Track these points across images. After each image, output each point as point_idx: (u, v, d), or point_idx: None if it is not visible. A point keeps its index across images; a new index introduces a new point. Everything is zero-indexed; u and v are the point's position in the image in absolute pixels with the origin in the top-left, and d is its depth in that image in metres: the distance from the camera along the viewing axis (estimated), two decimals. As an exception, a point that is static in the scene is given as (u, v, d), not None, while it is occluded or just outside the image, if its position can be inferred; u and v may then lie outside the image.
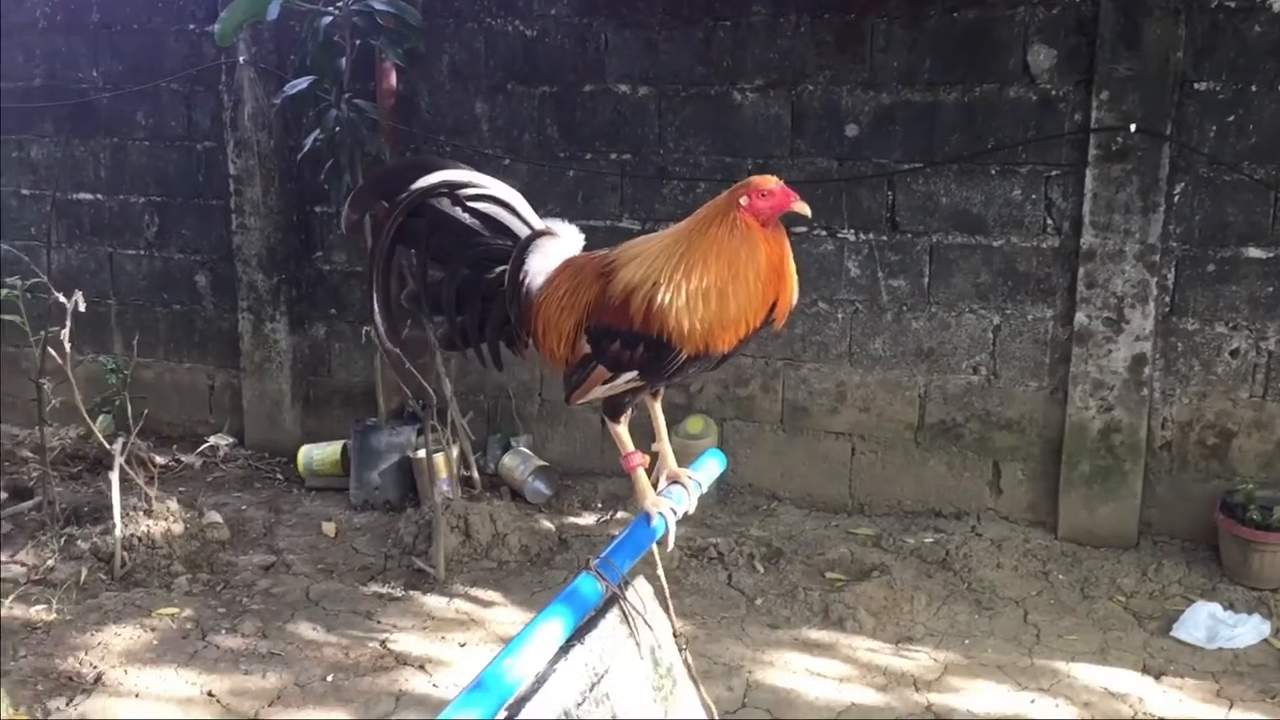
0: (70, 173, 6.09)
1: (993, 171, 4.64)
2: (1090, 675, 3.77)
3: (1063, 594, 4.35)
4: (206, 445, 5.64)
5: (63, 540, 4.64)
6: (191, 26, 5.66)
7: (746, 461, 5.19)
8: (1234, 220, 4.39)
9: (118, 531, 4.46)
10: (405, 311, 1.83)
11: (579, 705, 1.45)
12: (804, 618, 4.19)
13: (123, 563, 4.46)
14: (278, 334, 5.75)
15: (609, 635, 1.58)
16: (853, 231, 4.86)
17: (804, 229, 4.88)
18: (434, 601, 4.33)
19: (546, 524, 4.94)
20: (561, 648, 1.48)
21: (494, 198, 1.82)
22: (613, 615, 1.61)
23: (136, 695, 3.69)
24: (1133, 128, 4.32)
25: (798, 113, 4.85)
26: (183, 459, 5.79)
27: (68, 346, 4.42)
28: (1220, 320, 4.49)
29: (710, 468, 1.97)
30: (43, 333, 4.58)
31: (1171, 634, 4.02)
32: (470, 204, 1.80)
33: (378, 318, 1.77)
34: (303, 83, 4.84)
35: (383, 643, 4.02)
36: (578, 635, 1.52)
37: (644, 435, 1.94)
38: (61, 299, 4.38)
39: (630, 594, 1.67)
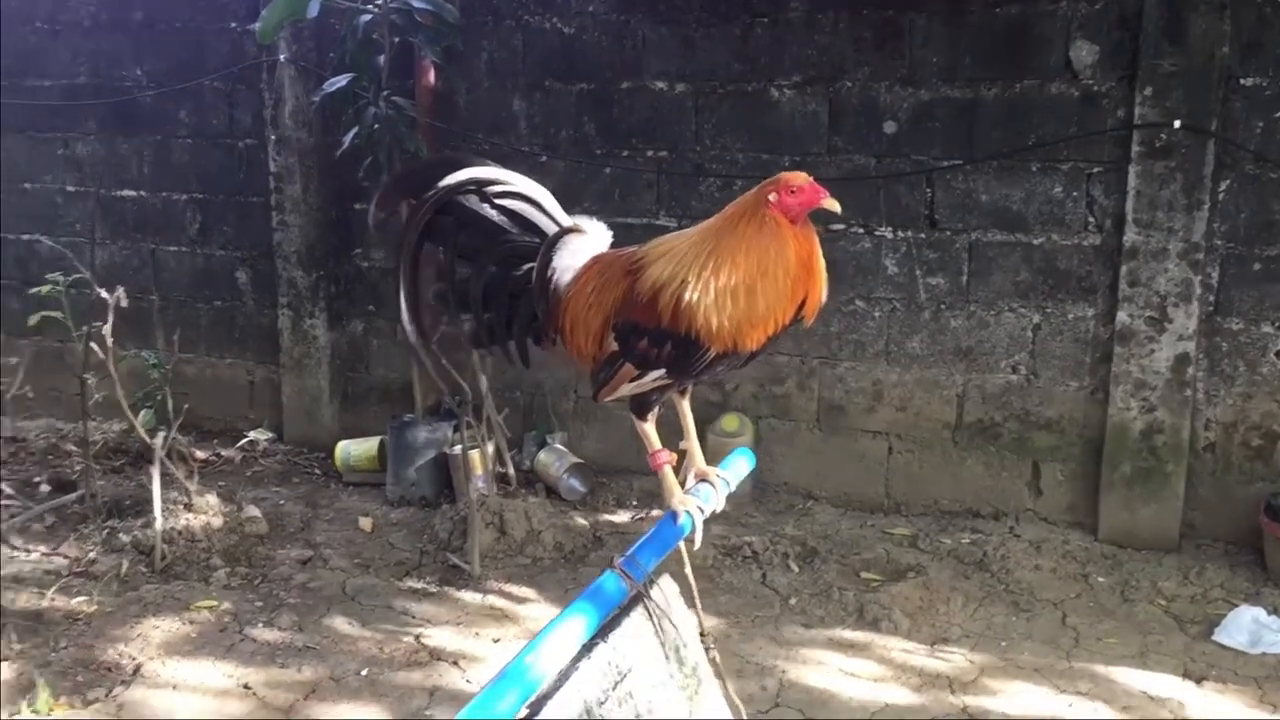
0: (114, 170, 6.17)
1: (1033, 168, 4.59)
2: (1130, 679, 3.72)
3: (1102, 596, 4.29)
4: (246, 440, 5.71)
5: (104, 533, 4.70)
6: (233, 24, 5.71)
7: (782, 460, 5.16)
8: (1281, 218, 4.32)
9: (158, 525, 4.51)
10: (434, 309, 1.83)
11: (601, 704, 1.44)
12: (838, 618, 4.16)
13: (163, 556, 4.50)
14: (316, 330, 5.79)
15: (633, 634, 1.57)
16: (890, 229, 4.82)
17: (841, 226, 4.85)
18: (468, 597, 4.34)
19: (581, 521, 4.94)
20: (585, 646, 1.47)
21: (522, 194, 1.82)
22: (637, 614, 1.61)
23: (174, 687, 3.72)
24: (1177, 124, 4.26)
25: (835, 109, 4.81)
26: (223, 453, 5.85)
27: (109, 342, 4.47)
28: (1266, 320, 4.41)
29: (739, 466, 1.96)
30: (85, 328, 4.64)
31: (1214, 638, 3.95)
32: (498, 201, 1.80)
33: (405, 315, 1.78)
34: (342, 80, 4.87)
35: (417, 638, 4.03)
36: (601, 633, 1.52)
37: (675, 433, 1.93)
38: (104, 295, 4.44)
39: (655, 593, 1.66)
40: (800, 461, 5.14)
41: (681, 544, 1.82)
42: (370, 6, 4.82)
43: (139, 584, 4.39)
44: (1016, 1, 4.48)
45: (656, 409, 1.80)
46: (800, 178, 1.70)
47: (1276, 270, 4.36)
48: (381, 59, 4.88)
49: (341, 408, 5.90)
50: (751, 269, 1.67)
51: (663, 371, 1.73)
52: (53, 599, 4.23)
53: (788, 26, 4.82)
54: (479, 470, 4.89)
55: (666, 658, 1.62)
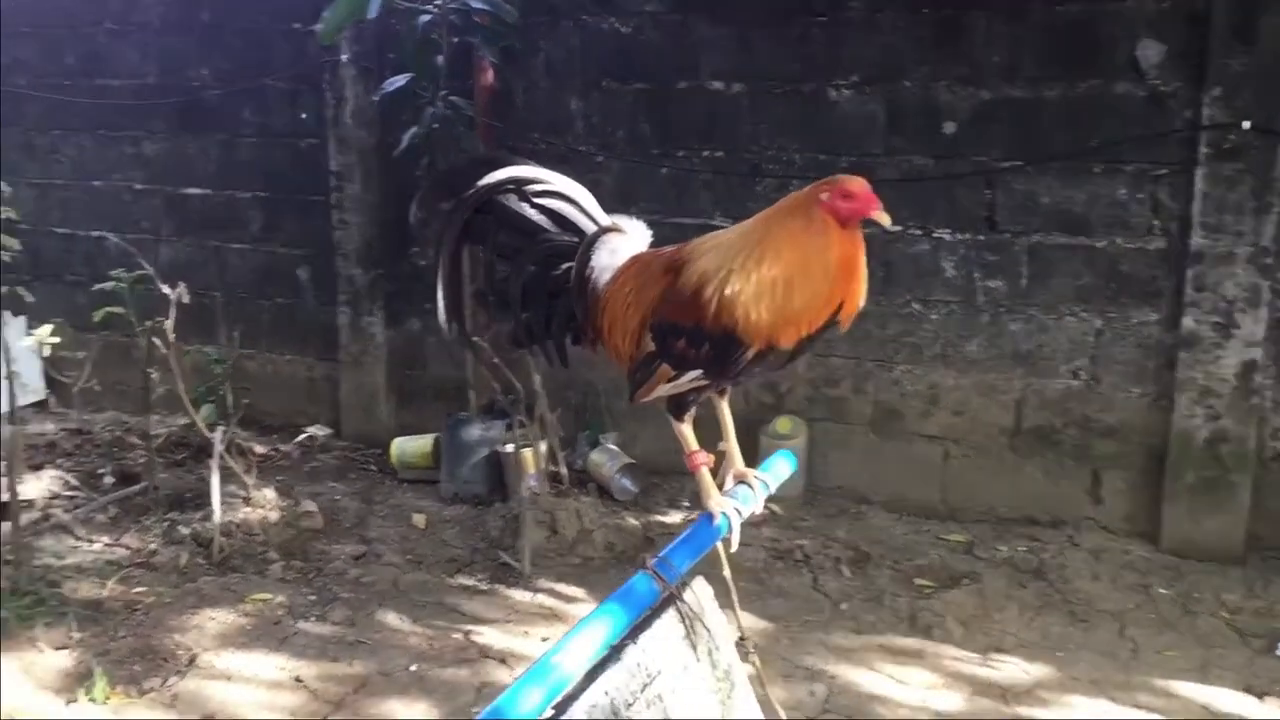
0: (181, 168, 6.28)
1: (1097, 170, 4.50)
2: (1190, 693, 3.63)
3: (1163, 608, 4.19)
4: (304, 436, 5.78)
5: (165, 525, 4.79)
6: (297, 25, 5.78)
7: (836, 463, 5.12)
8: (1355, 222, 4.20)
9: (216, 518, 4.57)
10: (472, 307, 1.84)
11: (629, 705, 1.43)
12: (890, 624, 4.11)
13: (221, 549, 4.56)
14: (374, 328, 5.85)
15: (664, 636, 1.56)
16: (949, 231, 4.75)
17: (899, 228, 4.80)
18: (518, 596, 4.35)
19: (632, 521, 4.93)
20: (615, 647, 1.46)
21: (560, 193, 1.81)
22: (669, 616, 1.59)
23: (228, 678, 3.77)
24: (1246, 125, 4.15)
25: (894, 110, 4.76)
26: (281, 449, 5.93)
27: (171, 337, 4.55)
28: (1338, 327, 4.29)
29: (779, 468, 1.93)
30: (148, 323, 4.73)
31: (1277, 653, 3.84)
32: (537, 200, 1.80)
33: (442, 313, 1.78)
34: (401, 80, 4.92)
35: (466, 635, 4.05)
36: (631, 635, 1.50)
37: (717, 434, 1.91)
38: (166, 291, 4.52)
39: (688, 595, 1.64)
40: (854, 465, 5.09)
41: (719, 546, 1.80)
42: (429, 7, 4.86)
43: (197, 576, 4.45)
44: (1081, 0, 4.39)
45: (693, 410, 1.78)
46: (857, 183, 1.67)
47: (1350, 276, 4.23)
48: (440, 59, 4.92)
49: (398, 405, 5.96)
50: (793, 264, 1.65)
51: (700, 372, 1.71)
52: (113, 589, 4.31)
53: (846, 26, 4.77)
54: (531, 469, 4.91)
55: (698, 660, 1.61)
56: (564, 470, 5.17)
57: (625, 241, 1.81)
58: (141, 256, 4.87)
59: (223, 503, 4.65)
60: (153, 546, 4.65)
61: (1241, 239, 4.24)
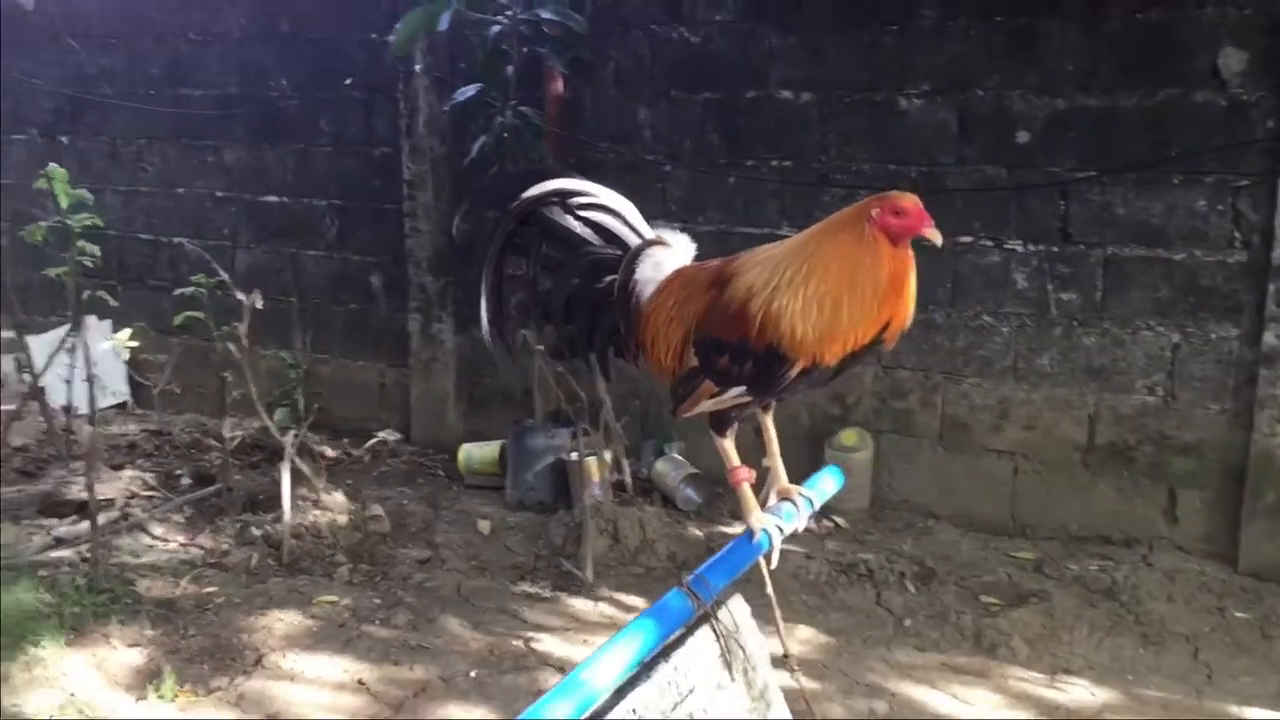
0: (259, 176, 6.42)
1: (1175, 181, 4.39)
2: (1265, 721, 3.52)
3: (1239, 632, 4.07)
4: (375, 440, 5.87)
5: (238, 526, 4.87)
6: (373, 35, 5.87)
7: (902, 477, 5.06)
8: None
9: (287, 520, 4.65)
10: (516, 320, 1.84)
11: (660, 723, 1.42)
12: (954, 642, 4.04)
13: (290, 551, 4.64)
14: (444, 335, 5.92)
15: (698, 654, 1.55)
16: (1021, 242, 4.67)
17: (969, 239, 4.74)
18: (579, 604, 4.36)
19: (695, 532, 4.92)
20: (646, 664, 1.46)
21: (605, 206, 1.81)
22: (703, 634, 1.58)
23: (292, 679, 3.83)
24: (1331, 135, 4.02)
25: (965, 119, 4.69)
26: (353, 453, 6.02)
27: (245, 342, 4.65)
28: None
29: (825, 485, 1.91)
30: (225, 328, 4.84)
31: (1359, 682, 3.71)
32: (581, 212, 1.80)
33: (486, 324, 1.79)
34: (471, 90, 4.98)
35: (526, 642, 4.07)
36: (664, 653, 1.50)
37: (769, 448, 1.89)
38: (241, 297, 4.62)
39: (723, 613, 1.63)
40: (921, 479, 5.02)
41: (761, 563, 1.78)
42: (500, 18, 4.91)
43: (266, 577, 4.53)
44: (1159, 7, 4.30)
45: (735, 425, 1.77)
46: (908, 200, 1.65)
47: None
48: (510, 69, 4.97)
49: (466, 411, 6.01)
50: (841, 279, 1.63)
51: (743, 389, 1.70)
52: (186, 588, 4.40)
53: (917, 34, 4.72)
54: (595, 477, 4.92)
55: (733, 680, 1.59)
56: (628, 479, 5.18)
57: (669, 255, 1.81)
58: (219, 262, 4.98)
59: (293, 505, 4.73)
60: (225, 547, 4.74)
61: (1327, 252, 4.10)
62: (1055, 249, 4.63)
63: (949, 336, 4.87)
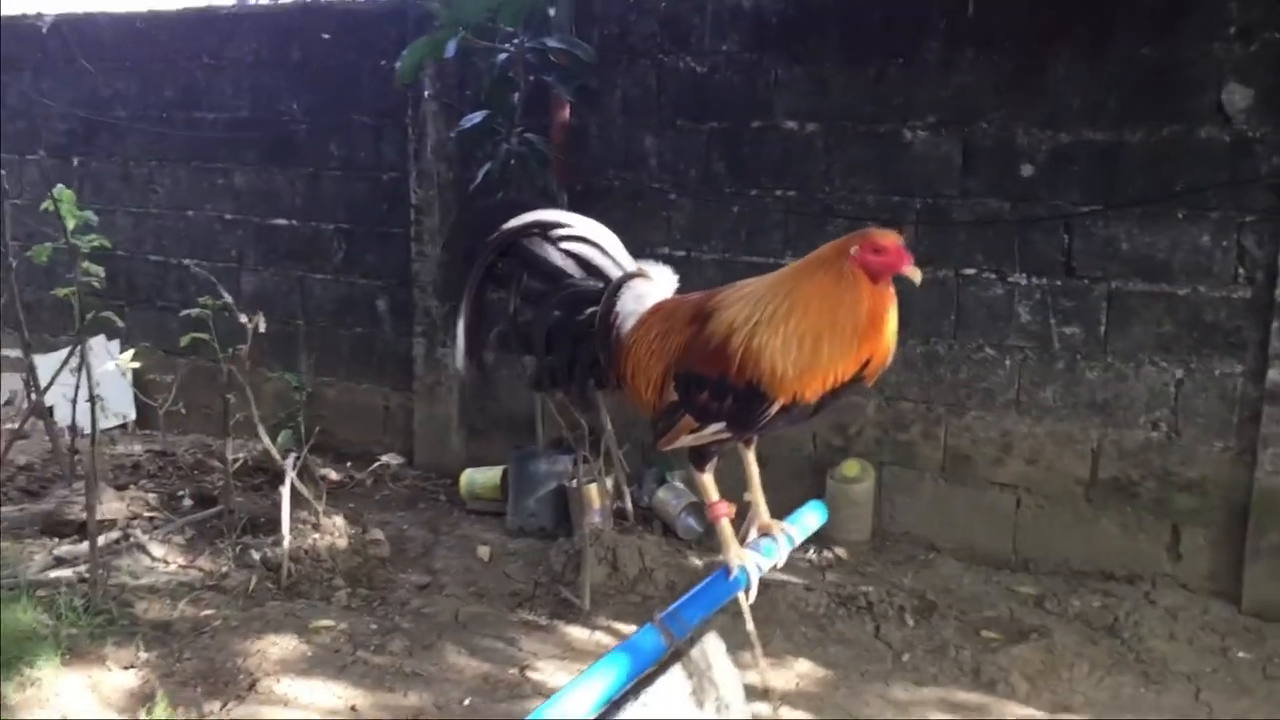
0: (269, 200, 6.46)
1: (1179, 216, 4.38)
2: (1265, 765, 3.48)
3: (1242, 672, 4.02)
4: (378, 464, 5.87)
5: (238, 549, 4.87)
6: (383, 62, 5.90)
7: (904, 509, 5.03)
8: None
9: (286, 544, 4.65)
10: (496, 350, 1.85)
11: (626, 763, 1.41)
12: (952, 677, 4.01)
13: (289, 574, 4.63)
14: (448, 359, 5.93)
15: (669, 692, 1.53)
16: (1024, 275, 4.66)
17: (972, 271, 4.73)
18: (576, 632, 4.34)
19: (695, 561, 4.90)
20: (615, 702, 1.45)
21: (586, 238, 1.82)
22: (675, 671, 1.57)
23: (285, 704, 3.82)
24: (1336, 172, 4.01)
25: (969, 151, 4.69)
26: (355, 476, 6.02)
27: (247, 364, 4.66)
28: None
29: (808, 520, 1.90)
30: (230, 350, 4.85)
31: (1363, 726, 3.67)
32: (561, 244, 1.81)
33: (461, 354, 1.79)
34: (477, 117, 5.00)
35: (522, 670, 4.05)
36: (634, 690, 1.49)
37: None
38: (244, 319, 4.64)
39: (696, 651, 1.62)
40: (923, 511, 5.00)
41: (741, 599, 1.77)
42: (507, 46, 4.94)
43: (264, 600, 4.52)
44: (1164, 43, 4.30)
45: (715, 460, 1.76)
46: (888, 238, 1.65)
47: None
48: (516, 96, 4.99)
49: (469, 436, 6.01)
50: (822, 317, 1.63)
51: (723, 425, 1.70)
52: (183, 611, 4.40)
53: (923, 67, 4.73)
54: (596, 504, 4.91)
55: (704, 717, 1.58)
56: (630, 507, 5.17)
57: (650, 287, 1.81)
58: (225, 284, 5.00)
59: (293, 529, 4.73)
60: (224, 569, 4.74)
61: (1331, 290, 4.08)
62: (1058, 282, 4.61)
63: (952, 369, 4.85)
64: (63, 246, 4.77)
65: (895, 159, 4.83)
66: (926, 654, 4.16)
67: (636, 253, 1.92)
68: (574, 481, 5.04)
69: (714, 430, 1.71)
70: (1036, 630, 4.26)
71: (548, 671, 4.04)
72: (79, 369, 4.89)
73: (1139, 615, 4.34)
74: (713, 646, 1.66)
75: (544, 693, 3.90)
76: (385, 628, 4.35)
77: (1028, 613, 4.43)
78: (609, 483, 5.01)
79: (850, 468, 5.00)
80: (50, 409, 5.46)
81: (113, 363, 5.20)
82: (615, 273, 1.81)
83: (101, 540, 4.75)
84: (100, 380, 5.07)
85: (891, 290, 1.68)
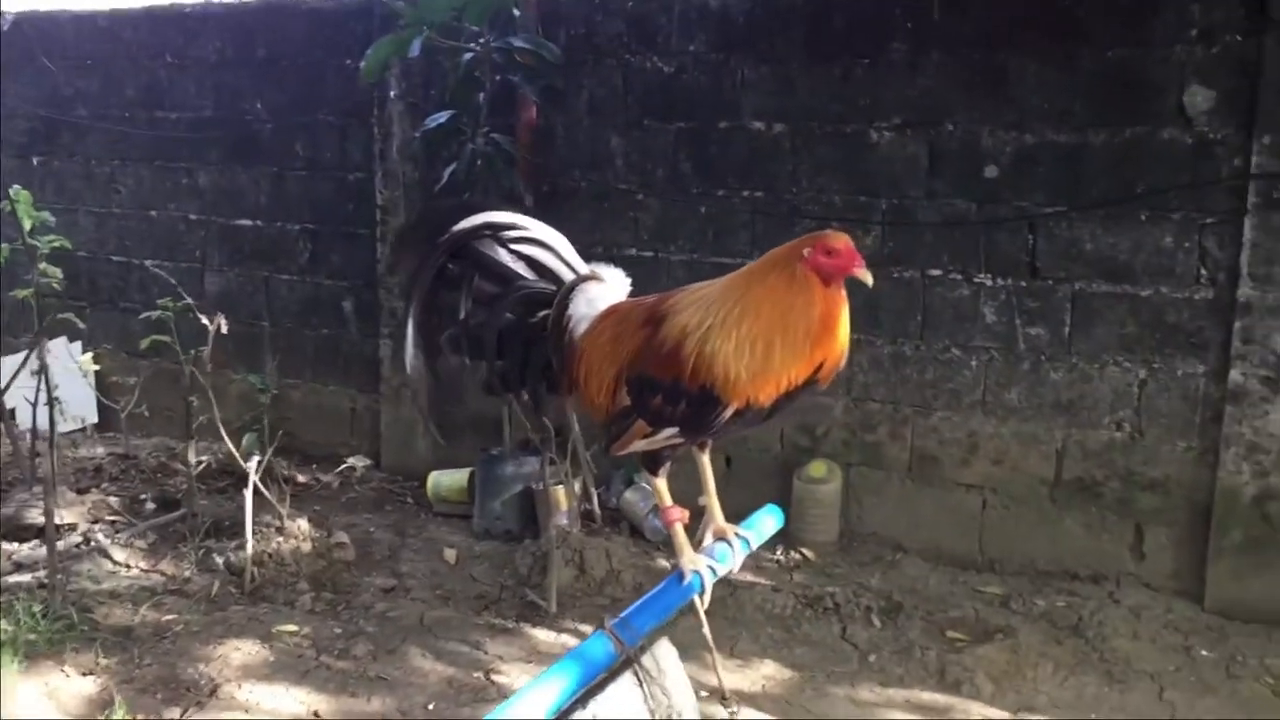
0: (233, 200, 6.40)
1: (1142, 217, 4.40)
2: (1227, 763, 3.50)
3: (1205, 671, 4.05)
4: (344, 466, 5.82)
5: (201, 553, 4.82)
6: (348, 61, 5.85)
7: (871, 510, 5.04)
8: None
9: (249, 548, 4.61)
10: (447, 353, 1.82)
11: (574, 773, 1.39)
12: (918, 678, 4.01)
13: (252, 578, 4.59)
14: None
15: (618, 700, 1.52)
16: (989, 276, 4.67)
17: (938, 272, 4.74)
18: (542, 635, 4.32)
19: (663, 563, 4.88)
20: (564, 711, 1.43)
21: (538, 240, 1.80)
22: (625, 679, 1.55)
23: (246, 710, 3.78)
24: (1297, 174, 4.03)
25: (935, 152, 4.70)
26: (322, 478, 5.97)
27: (208, 366, 4.61)
28: (1394, 384, 4.13)
29: (764, 525, 1.89)
30: (191, 352, 4.80)
31: (1324, 724, 3.69)
32: (514, 246, 1.78)
33: (410, 361, 1.77)
34: (442, 117, 4.97)
35: (487, 674, 4.03)
36: (583, 699, 1.47)
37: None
38: (205, 321, 4.59)
39: (647, 658, 1.60)
40: (890, 512, 5.00)
41: (697, 603, 1.76)
42: (472, 46, 4.90)
43: (227, 605, 4.48)
44: (1127, 45, 4.32)
45: (669, 465, 1.75)
46: (840, 240, 1.64)
47: (1406, 331, 4.08)
48: (482, 96, 4.96)
49: (436, 438, 5.97)
50: (774, 321, 1.62)
51: (676, 430, 1.68)
52: (144, 616, 4.35)
53: (889, 68, 4.73)
54: (563, 506, 4.89)
55: (655, 727, 1.56)
56: (597, 508, 5.15)
57: (603, 290, 1.79)
58: (188, 285, 4.96)
59: (257, 532, 4.68)
60: (187, 573, 4.69)
61: (1292, 291, 4.11)
62: (1023, 283, 4.63)
63: (918, 369, 4.86)
64: (21, 248, 4.70)
65: (862, 160, 4.83)
66: (892, 655, 4.16)
67: (604, 253, 1.91)
68: (541, 483, 5.02)
69: (667, 435, 1.70)
70: (1002, 630, 4.26)
71: (513, 675, 4.02)
72: (38, 371, 4.84)
73: (1103, 615, 4.36)
74: (664, 653, 1.64)
75: (508, 696, 3.86)
76: (349, 632, 4.31)
77: (993, 613, 4.44)
78: (576, 484, 4.99)
79: (817, 468, 5.00)
80: (11, 411, 5.39)
81: (73, 364, 5.13)
82: (568, 275, 1.80)
83: (61, 544, 4.69)
84: (61, 382, 5.02)
85: (843, 293, 1.67)
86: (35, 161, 6.98)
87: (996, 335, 4.70)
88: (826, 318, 1.63)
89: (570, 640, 4.28)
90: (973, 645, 4.17)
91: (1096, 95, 4.40)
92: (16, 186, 4.60)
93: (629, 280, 1.83)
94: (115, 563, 4.79)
